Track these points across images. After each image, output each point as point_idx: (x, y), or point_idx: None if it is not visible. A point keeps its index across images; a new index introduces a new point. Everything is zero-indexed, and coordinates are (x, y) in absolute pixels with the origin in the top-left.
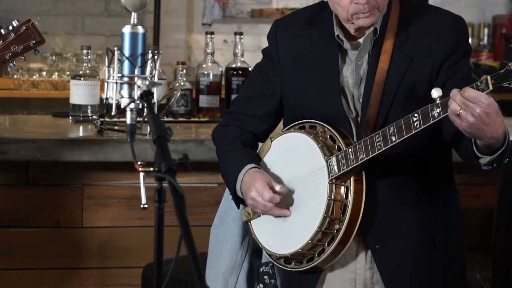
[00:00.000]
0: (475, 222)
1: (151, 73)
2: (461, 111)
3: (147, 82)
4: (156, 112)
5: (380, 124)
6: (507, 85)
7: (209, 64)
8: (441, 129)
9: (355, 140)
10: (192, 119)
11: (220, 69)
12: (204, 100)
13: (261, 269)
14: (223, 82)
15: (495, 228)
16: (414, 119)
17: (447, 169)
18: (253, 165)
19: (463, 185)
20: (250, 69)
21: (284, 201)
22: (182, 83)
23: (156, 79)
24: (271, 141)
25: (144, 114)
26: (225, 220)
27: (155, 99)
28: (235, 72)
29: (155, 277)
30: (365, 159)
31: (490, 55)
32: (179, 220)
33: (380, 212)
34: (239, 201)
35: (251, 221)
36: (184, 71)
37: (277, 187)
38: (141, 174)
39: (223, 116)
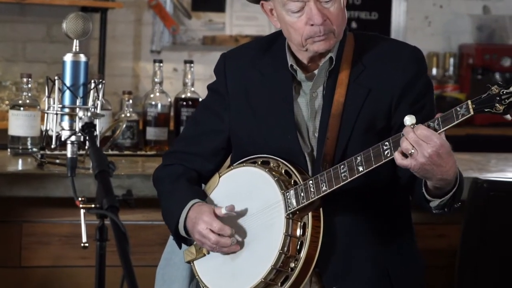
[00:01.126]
0: (439, 264)
1: (93, 103)
2: (412, 150)
3: (89, 113)
4: (98, 145)
5: (339, 158)
6: (489, 110)
7: (157, 94)
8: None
9: (310, 175)
10: (138, 152)
11: (169, 99)
12: (151, 132)
13: None
14: (172, 113)
15: (458, 270)
16: (385, 147)
17: (405, 209)
18: (197, 200)
19: (425, 224)
20: (201, 99)
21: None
22: (128, 114)
23: (99, 110)
24: (219, 177)
25: (86, 147)
26: (172, 260)
27: (97, 131)
28: (184, 103)
29: None
30: (328, 191)
31: (456, 87)
32: (121, 259)
33: (337, 252)
34: (180, 240)
35: (195, 261)
36: (131, 101)
37: (222, 210)
38: (82, 211)
39: (164, 156)
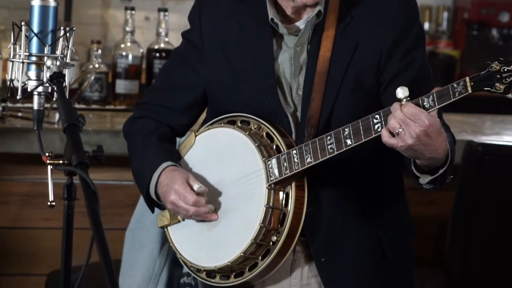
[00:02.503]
0: (427, 233)
1: (62, 52)
2: (400, 129)
3: (58, 63)
4: (67, 97)
5: (325, 121)
6: (488, 89)
7: (128, 44)
8: None
9: (293, 138)
10: (107, 106)
11: (141, 50)
12: (121, 85)
13: (182, 280)
14: (143, 65)
15: (450, 240)
16: (375, 120)
17: (397, 174)
18: (170, 163)
19: (414, 190)
20: None
21: (212, 205)
22: (96, 65)
23: (68, 59)
24: (195, 136)
25: (54, 99)
26: (143, 223)
27: (66, 82)
28: (158, 54)
29: (62, 287)
30: (313, 163)
31: (450, 43)
32: (91, 221)
33: (323, 223)
34: (152, 204)
35: (169, 227)
36: (100, 51)
37: (195, 186)
38: (49, 167)
39: (134, 108)
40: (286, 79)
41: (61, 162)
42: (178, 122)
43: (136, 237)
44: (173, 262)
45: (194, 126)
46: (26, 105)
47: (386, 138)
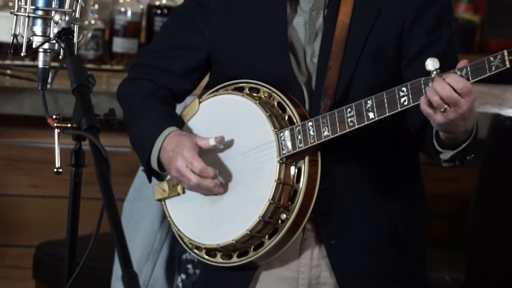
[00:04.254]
0: (445, 213)
1: (71, 6)
2: (446, 106)
3: (67, 18)
4: (76, 55)
5: (342, 92)
6: None
7: None
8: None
9: (307, 109)
10: (103, 66)
11: (141, 6)
12: (119, 44)
13: (184, 256)
14: (143, 23)
15: (472, 220)
16: (401, 93)
17: (413, 151)
18: (175, 128)
19: (432, 165)
20: None
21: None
22: (93, 21)
23: (78, 14)
24: (199, 103)
25: (61, 57)
26: (143, 193)
27: (75, 40)
28: (159, 11)
29: (67, 260)
30: (330, 137)
31: (469, 7)
32: (102, 190)
33: (337, 203)
34: (152, 173)
35: (166, 200)
36: (96, 6)
37: (210, 141)
38: (56, 131)
39: (129, 69)
40: (301, 45)
41: (69, 125)
42: (178, 87)
43: (135, 208)
44: (175, 236)
45: (196, 91)
46: (16, 62)
47: (424, 106)
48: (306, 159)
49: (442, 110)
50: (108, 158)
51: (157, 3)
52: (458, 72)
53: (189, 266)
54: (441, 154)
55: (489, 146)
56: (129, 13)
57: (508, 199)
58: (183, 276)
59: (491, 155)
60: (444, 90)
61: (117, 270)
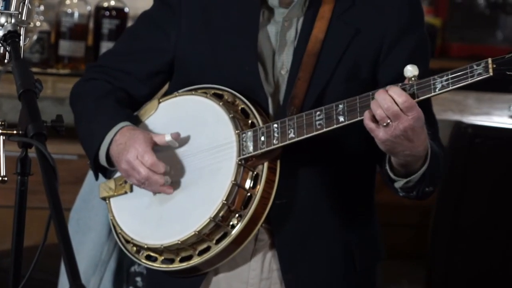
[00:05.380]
0: (407, 223)
1: (17, 8)
2: (388, 121)
3: (13, 20)
4: (22, 59)
5: (311, 104)
6: None
7: (74, 0)
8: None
9: (272, 119)
10: (49, 70)
11: (88, 8)
12: (65, 47)
13: (132, 269)
14: (91, 25)
15: (433, 231)
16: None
17: (371, 184)
18: (128, 123)
19: None
20: (126, 9)
21: (170, 176)
22: (38, 23)
23: (24, 17)
24: (159, 103)
25: (6, 60)
26: (90, 202)
27: (22, 42)
28: (107, 13)
29: (12, 272)
30: (295, 139)
31: (430, 9)
32: (49, 199)
33: (294, 216)
34: (99, 170)
35: (111, 199)
36: (42, 7)
37: (166, 137)
38: (1, 138)
39: (86, 70)
40: (270, 55)
41: (15, 132)
42: (137, 91)
43: (82, 219)
44: None
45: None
46: None
47: (367, 120)
48: (265, 164)
49: (385, 124)
50: (56, 166)
51: (105, 4)
52: (438, 78)
53: (138, 279)
54: (395, 182)
55: (450, 154)
56: (76, 14)
57: (471, 208)
58: None
59: (453, 163)
60: (385, 101)
61: (64, 282)
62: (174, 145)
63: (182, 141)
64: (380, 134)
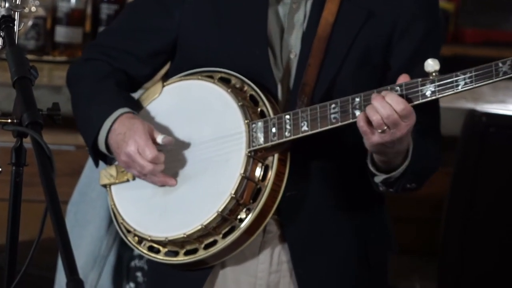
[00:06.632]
0: (417, 216)
1: None
2: (385, 128)
3: (7, 4)
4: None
5: (322, 92)
6: None
7: None
8: None
9: (282, 107)
10: (45, 57)
11: None
12: (62, 33)
13: (132, 263)
14: (88, 10)
15: (445, 225)
16: (397, 91)
17: None
18: (127, 109)
19: None
20: None
21: (174, 166)
22: (33, 9)
23: (19, 1)
24: (163, 86)
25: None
26: (88, 195)
27: (17, 28)
28: None
29: (7, 268)
30: (309, 133)
31: None
32: (45, 190)
33: (306, 210)
34: (98, 156)
35: (112, 186)
36: None
37: (159, 137)
38: None
39: (86, 49)
40: (277, 38)
41: (9, 121)
42: (137, 71)
43: (80, 212)
44: (123, 242)
45: (156, 77)
46: None
47: (362, 122)
48: (276, 156)
49: (380, 131)
50: (52, 156)
51: None
52: (461, 75)
53: (138, 274)
54: (375, 177)
55: (463, 145)
56: (73, 0)
57: (484, 201)
58: (132, 284)
59: (466, 154)
60: (385, 109)
61: (61, 278)
62: (165, 148)
63: (187, 130)
64: (374, 138)
